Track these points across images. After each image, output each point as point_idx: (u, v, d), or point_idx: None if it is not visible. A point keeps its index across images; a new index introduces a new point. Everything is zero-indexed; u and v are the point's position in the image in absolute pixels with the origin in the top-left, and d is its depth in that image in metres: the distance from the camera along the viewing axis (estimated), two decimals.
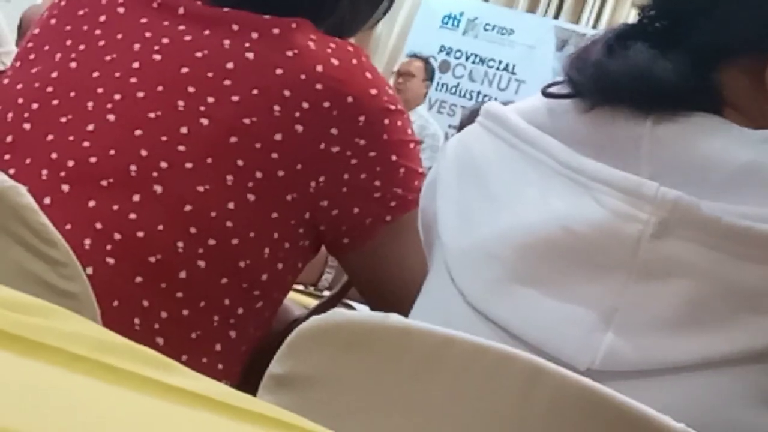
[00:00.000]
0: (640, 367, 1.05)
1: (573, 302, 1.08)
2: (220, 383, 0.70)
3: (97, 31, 1.50)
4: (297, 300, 1.85)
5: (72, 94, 1.46)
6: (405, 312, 1.22)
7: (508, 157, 1.17)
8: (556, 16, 9.49)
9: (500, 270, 1.12)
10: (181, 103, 1.42)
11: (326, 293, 2.20)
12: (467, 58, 8.83)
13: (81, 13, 1.52)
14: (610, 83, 1.16)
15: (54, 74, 1.48)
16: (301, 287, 2.19)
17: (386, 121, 1.49)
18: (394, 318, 0.98)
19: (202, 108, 1.42)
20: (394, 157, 1.50)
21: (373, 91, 1.48)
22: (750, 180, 1.08)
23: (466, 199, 1.19)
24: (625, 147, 1.13)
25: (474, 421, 0.94)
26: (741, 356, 1.04)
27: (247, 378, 1.48)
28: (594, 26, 9.11)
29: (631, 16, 8.62)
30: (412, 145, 1.53)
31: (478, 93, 8.71)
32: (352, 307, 2.04)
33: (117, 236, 1.38)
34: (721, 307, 1.04)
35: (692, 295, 1.05)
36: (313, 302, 1.93)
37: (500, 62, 8.76)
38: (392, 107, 1.50)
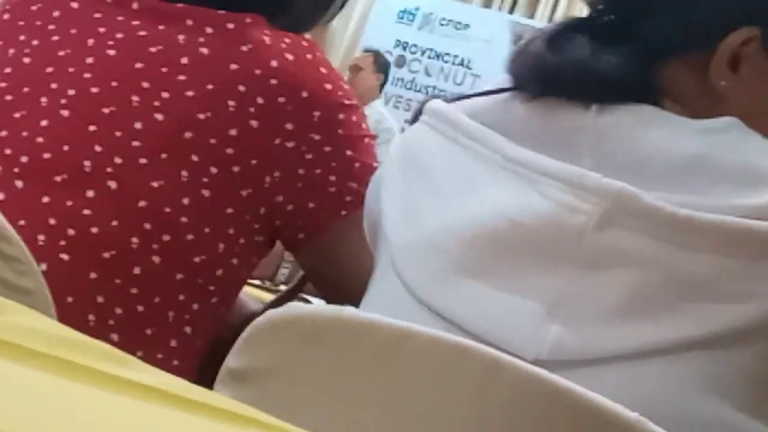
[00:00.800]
0: (587, 356, 1.06)
1: (519, 293, 1.08)
2: (177, 377, 0.70)
3: (51, 26, 1.49)
4: (253, 295, 1.85)
5: (26, 89, 1.45)
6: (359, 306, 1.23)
7: (451, 152, 1.17)
8: (512, 11, 9.51)
9: (446, 262, 1.12)
10: (135, 98, 1.42)
11: (283, 288, 2.20)
12: (423, 53, 8.84)
13: (34, 8, 1.51)
14: (551, 75, 1.17)
15: (7, 70, 1.47)
16: (257, 282, 2.18)
17: (341, 116, 1.49)
18: (350, 311, 0.98)
19: (156, 103, 1.41)
20: (349, 152, 1.50)
21: (328, 86, 1.48)
22: (691, 170, 1.09)
23: (410, 195, 1.19)
24: (568, 139, 1.14)
25: (431, 413, 0.94)
26: (687, 344, 1.05)
27: (204, 373, 1.48)
28: (549, 20, 9.14)
29: (586, 11, 8.63)
30: (366, 140, 1.53)
31: (434, 88, 8.72)
32: (308, 302, 2.03)
33: (71, 232, 1.38)
34: (665, 296, 1.05)
35: (637, 285, 1.05)
36: (269, 297, 1.92)
37: (456, 57, 8.77)
38: (347, 102, 1.50)
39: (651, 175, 1.10)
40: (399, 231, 1.18)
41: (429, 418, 0.94)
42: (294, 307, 1.01)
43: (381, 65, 7.88)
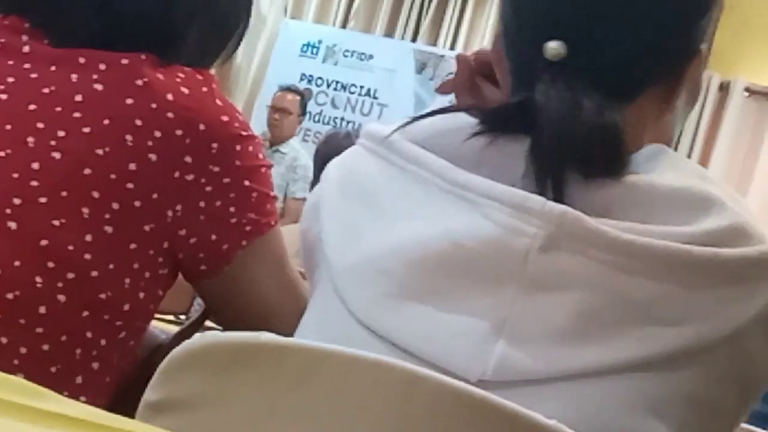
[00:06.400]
0: (531, 376, 1.06)
1: (463, 315, 1.08)
2: (96, 408, 0.70)
3: None
4: (162, 327, 1.85)
5: None
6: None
7: (393, 176, 1.18)
8: (414, 39, 9.57)
9: (389, 285, 1.12)
10: (30, 139, 1.41)
11: None
12: (329, 86, 8.85)
13: None
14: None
15: None
16: (170, 318, 2.18)
17: (238, 148, 1.50)
18: (267, 336, 0.98)
19: (53, 142, 1.41)
20: (247, 183, 1.51)
21: (225, 118, 1.49)
22: (633, 198, 1.11)
23: (352, 218, 1.19)
24: (505, 163, 1.14)
25: (355, 430, 0.95)
26: (628, 365, 1.06)
27: (116, 408, 1.47)
28: (451, 47, 9.20)
29: (486, 38, 8.73)
30: (263, 170, 1.55)
31: (342, 119, 8.74)
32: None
33: None
34: (608, 318, 1.06)
35: (580, 307, 1.06)
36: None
37: (362, 87, 8.79)
38: (243, 133, 1.52)
39: (592, 201, 1.11)
40: (341, 254, 1.18)
41: None
42: (209, 335, 1.01)
43: (303, 107, 7.85)
